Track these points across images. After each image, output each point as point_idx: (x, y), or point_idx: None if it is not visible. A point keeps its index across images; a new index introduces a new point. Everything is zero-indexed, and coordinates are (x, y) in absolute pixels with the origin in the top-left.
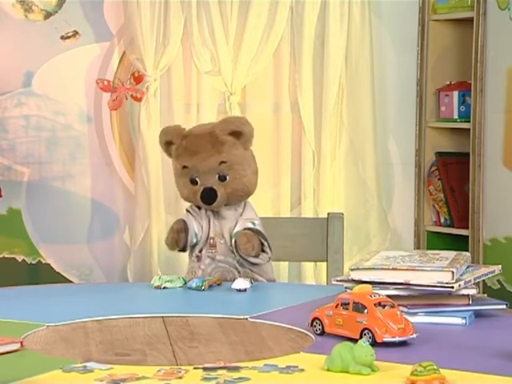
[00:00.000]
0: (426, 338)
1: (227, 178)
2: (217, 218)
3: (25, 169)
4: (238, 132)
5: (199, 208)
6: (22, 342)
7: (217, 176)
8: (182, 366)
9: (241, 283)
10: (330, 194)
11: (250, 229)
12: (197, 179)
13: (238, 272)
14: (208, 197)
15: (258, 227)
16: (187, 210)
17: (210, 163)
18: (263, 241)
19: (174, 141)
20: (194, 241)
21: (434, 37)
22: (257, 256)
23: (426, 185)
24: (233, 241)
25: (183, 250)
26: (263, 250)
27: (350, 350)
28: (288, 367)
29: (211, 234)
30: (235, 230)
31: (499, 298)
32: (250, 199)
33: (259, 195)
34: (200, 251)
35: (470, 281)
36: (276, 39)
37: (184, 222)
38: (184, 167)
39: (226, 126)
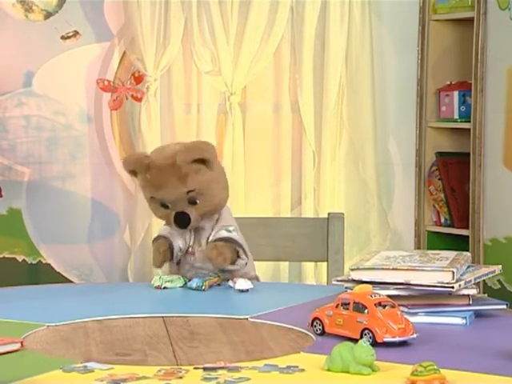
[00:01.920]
0: (427, 338)
1: (197, 202)
2: (196, 229)
3: (25, 169)
4: (200, 159)
5: None
6: (22, 342)
7: (187, 201)
8: (183, 366)
9: (243, 284)
10: (331, 193)
11: (222, 238)
12: (167, 204)
13: (219, 276)
14: (181, 221)
15: (233, 233)
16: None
17: (177, 195)
18: (238, 248)
19: (137, 171)
20: (180, 255)
21: (435, 37)
22: (233, 263)
23: (426, 185)
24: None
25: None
26: (239, 256)
27: (351, 350)
28: (288, 367)
29: (190, 243)
30: (210, 239)
31: (499, 298)
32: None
33: (259, 195)
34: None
35: (470, 281)
36: (276, 39)
37: (167, 240)
38: (152, 197)
39: (188, 155)
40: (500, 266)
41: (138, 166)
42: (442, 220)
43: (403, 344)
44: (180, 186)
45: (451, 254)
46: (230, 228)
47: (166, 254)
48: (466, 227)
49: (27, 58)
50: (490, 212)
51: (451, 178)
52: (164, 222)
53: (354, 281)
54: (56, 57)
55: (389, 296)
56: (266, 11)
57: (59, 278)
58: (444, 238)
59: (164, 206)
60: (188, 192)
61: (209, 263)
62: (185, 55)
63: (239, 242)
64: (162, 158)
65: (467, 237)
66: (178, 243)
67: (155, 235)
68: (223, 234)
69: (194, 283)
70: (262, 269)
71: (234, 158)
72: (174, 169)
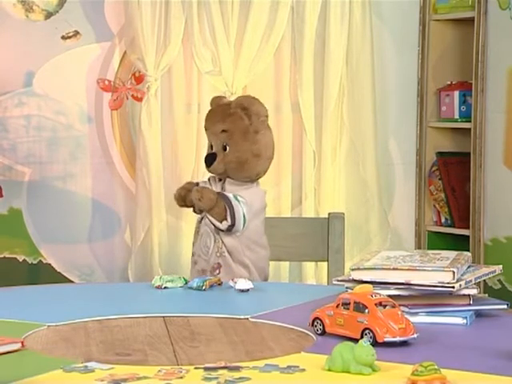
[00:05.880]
0: (427, 337)
1: (227, 148)
2: (223, 191)
3: (26, 169)
4: (246, 108)
5: (220, 180)
6: (22, 342)
7: (221, 145)
8: (183, 366)
9: (243, 284)
10: (331, 193)
11: (221, 194)
12: (212, 145)
13: (215, 240)
14: (207, 160)
15: (238, 202)
16: (208, 178)
17: (214, 129)
18: (227, 208)
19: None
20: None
21: (435, 37)
22: (218, 219)
23: (426, 185)
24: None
25: (192, 207)
26: (225, 218)
27: (351, 349)
28: (289, 367)
29: None
30: None
31: (500, 298)
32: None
33: None
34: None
35: (470, 281)
36: (277, 39)
37: (197, 184)
38: (205, 128)
39: (240, 100)
40: (500, 266)
41: (213, 101)
42: (443, 220)
43: (404, 344)
44: (219, 121)
45: (452, 253)
46: (240, 198)
47: (188, 193)
48: (467, 227)
49: (28, 58)
50: (490, 212)
51: (452, 178)
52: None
53: (354, 281)
54: (56, 57)
55: (389, 296)
56: (266, 11)
57: (60, 278)
58: (444, 238)
59: (211, 147)
60: (222, 131)
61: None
62: (185, 55)
63: (233, 204)
64: (227, 99)
65: (468, 237)
66: None
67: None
68: (230, 195)
69: (194, 283)
70: None
71: None
72: (226, 107)
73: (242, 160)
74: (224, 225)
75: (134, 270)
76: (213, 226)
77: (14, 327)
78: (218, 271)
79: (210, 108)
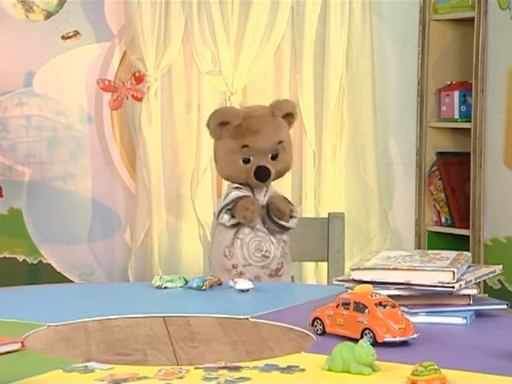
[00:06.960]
0: (427, 337)
1: (278, 156)
2: (252, 192)
3: (26, 169)
4: (290, 114)
5: (247, 185)
6: (22, 342)
7: (270, 155)
8: (183, 366)
9: (243, 284)
10: (331, 193)
11: (277, 197)
12: (250, 158)
13: (272, 242)
14: (262, 174)
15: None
16: (235, 188)
17: (272, 142)
18: (292, 206)
19: (230, 120)
20: None
21: (435, 37)
22: (285, 220)
23: (426, 185)
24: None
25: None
26: (292, 216)
27: (351, 349)
28: (289, 367)
29: None
30: (265, 201)
31: (500, 298)
32: None
33: None
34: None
35: (470, 281)
36: (277, 39)
37: (253, 197)
38: (244, 146)
39: (283, 107)
40: (500, 266)
41: (233, 116)
42: (443, 220)
43: (404, 344)
44: (275, 134)
45: (452, 253)
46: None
47: (257, 208)
48: (467, 227)
49: (28, 58)
50: (490, 212)
51: (452, 178)
52: (231, 187)
53: (354, 281)
54: (56, 57)
55: (389, 296)
56: (266, 11)
57: (60, 278)
58: (444, 238)
59: (245, 160)
60: (279, 142)
61: (265, 226)
62: (185, 55)
63: (291, 202)
64: (259, 109)
65: (468, 237)
66: None
67: (233, 197)
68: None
69: (194, 283)
70: None
71: None
72: (272, 118)
73: (288, 166)
74: (294, 222)
75: (134, 270)
76: (266, 229)
77: (14, 327)
78: (281, 271)
79: (239, 123)
